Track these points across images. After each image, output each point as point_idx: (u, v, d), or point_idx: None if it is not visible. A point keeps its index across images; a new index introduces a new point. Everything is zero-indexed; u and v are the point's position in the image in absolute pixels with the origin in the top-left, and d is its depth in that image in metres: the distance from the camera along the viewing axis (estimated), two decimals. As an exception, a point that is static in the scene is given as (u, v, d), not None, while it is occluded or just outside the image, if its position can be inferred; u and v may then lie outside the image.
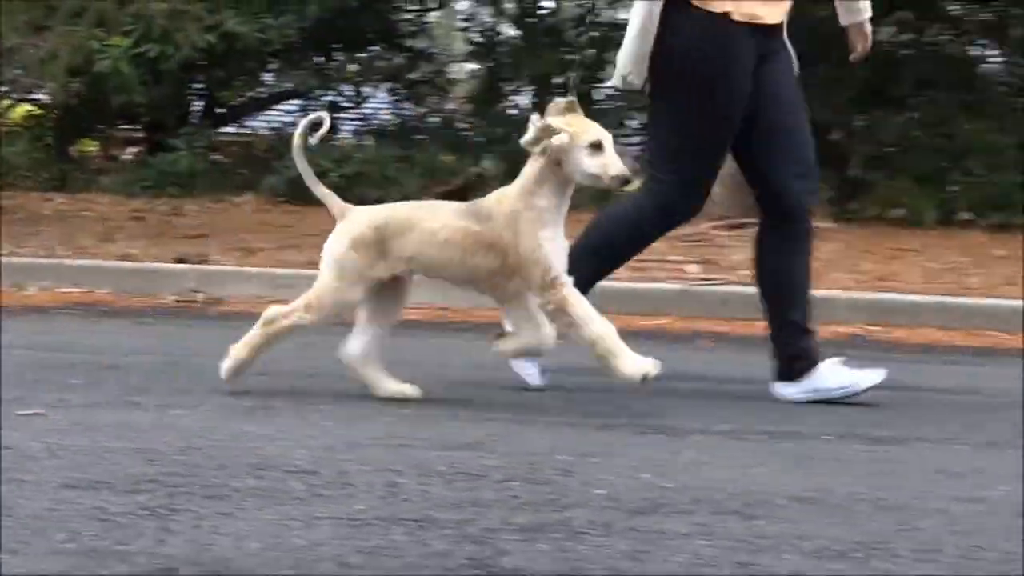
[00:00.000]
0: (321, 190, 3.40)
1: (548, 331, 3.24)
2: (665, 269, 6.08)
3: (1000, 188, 8.40)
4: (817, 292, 3.80)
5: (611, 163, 3.16)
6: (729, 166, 3.86)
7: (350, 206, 3.36)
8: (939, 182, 8.78)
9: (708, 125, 3.57)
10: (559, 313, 3.17)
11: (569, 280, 3.16)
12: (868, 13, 3.79)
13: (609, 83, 4.45)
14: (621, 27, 3.82)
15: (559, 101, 3.32)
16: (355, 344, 3.29)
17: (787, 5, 3.64)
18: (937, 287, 6.09)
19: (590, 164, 3.17)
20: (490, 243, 3.16)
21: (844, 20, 3.84)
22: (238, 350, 3.22)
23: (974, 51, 9.88)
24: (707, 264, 6.42)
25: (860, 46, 3.86)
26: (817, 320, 3.68)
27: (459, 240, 3.20)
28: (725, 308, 5.43)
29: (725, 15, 3.49)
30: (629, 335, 4.04)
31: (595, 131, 3.21)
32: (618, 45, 3.82)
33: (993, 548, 2.10)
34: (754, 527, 2.17)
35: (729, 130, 3.51)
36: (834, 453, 2.98)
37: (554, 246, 3.16)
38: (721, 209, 7.17)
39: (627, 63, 3.57)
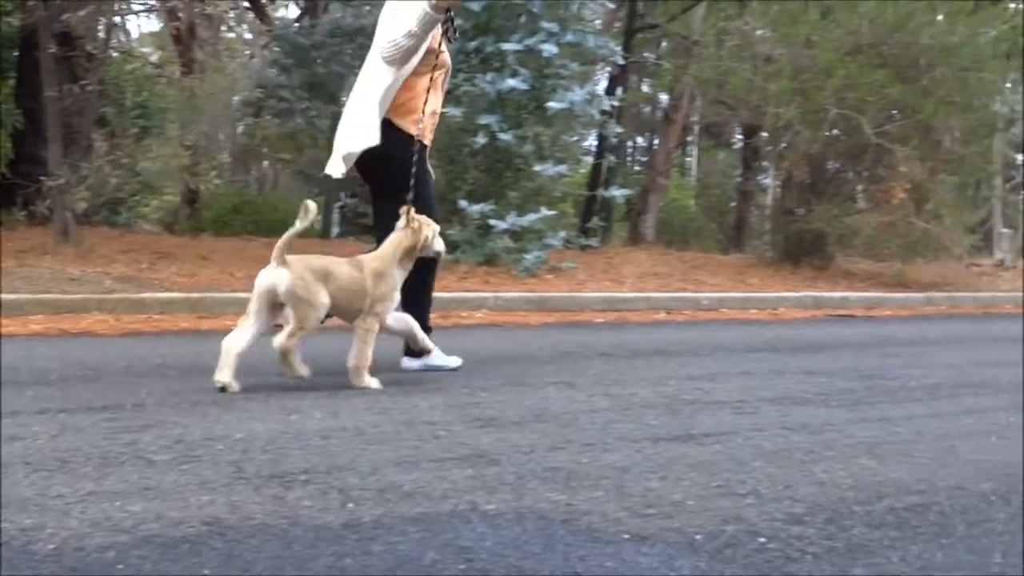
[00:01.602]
0: (281, 243, 4.82)
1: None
2: None
3: None
4: None
5: (441, 243, 5.43)
6: None
7: (292, 257, 4.84)
8: None
9: None
10: (361, 332, 5.00)
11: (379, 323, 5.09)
12: None
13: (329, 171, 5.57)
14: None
15: (406, 207, 5.16)
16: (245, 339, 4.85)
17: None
18: None
19: (438, 245, 5.32)
20: (362, 288, 4.97)
21: None
22: (295, 371, 4.90)
23: None
24: None
25: None
26: None
27: (351, 286, 4.95)
28: None
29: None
30: None
31: (436, 225, 5.33)
32: None
33: None
34: None
35: None
36: None
37: (393, 302, 5.14)
38: None
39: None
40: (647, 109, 34.14)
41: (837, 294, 11.89)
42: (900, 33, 13.26)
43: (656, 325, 8.99)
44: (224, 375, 4.79)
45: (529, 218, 11.02)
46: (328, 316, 5.06)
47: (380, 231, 5.47)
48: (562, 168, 11.56)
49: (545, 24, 11.23)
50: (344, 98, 17.91)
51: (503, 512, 3.05)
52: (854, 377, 6.08)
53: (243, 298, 8.18)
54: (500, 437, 4.04)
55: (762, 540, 2.90)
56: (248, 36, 27.27)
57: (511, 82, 10.93)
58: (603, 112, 12.18)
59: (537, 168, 11.39)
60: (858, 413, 4.89)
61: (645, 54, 24.84)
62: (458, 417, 4.42)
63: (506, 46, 11.04)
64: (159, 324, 7.38)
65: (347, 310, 5.01)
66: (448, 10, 5.40)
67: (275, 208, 15.77)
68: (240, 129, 20.54)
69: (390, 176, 5.44)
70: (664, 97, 25.08)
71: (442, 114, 11.10)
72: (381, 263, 5.03)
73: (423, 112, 5.53)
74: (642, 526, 2.98)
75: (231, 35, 29.08)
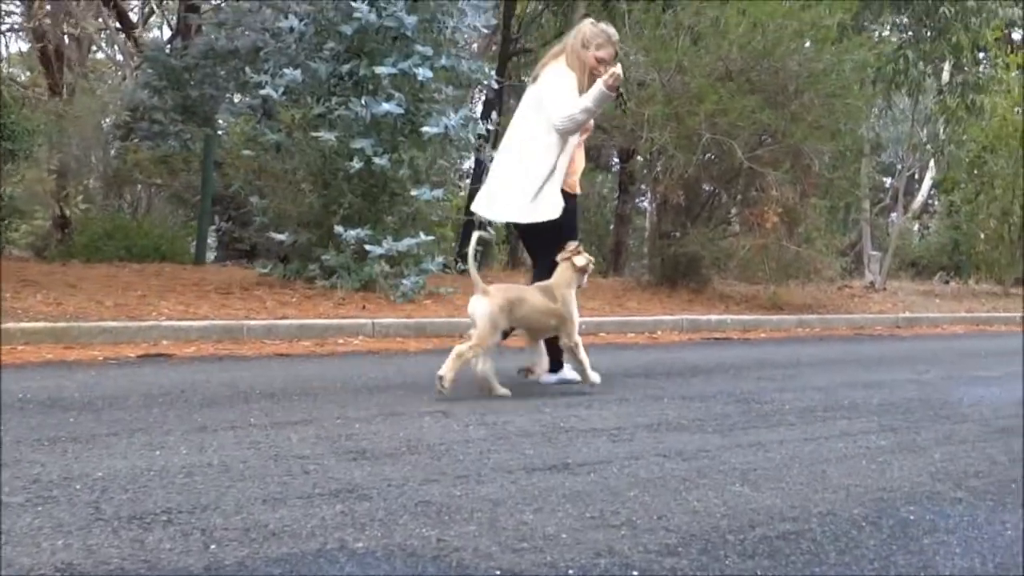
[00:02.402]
0: (475, 276, 5.99)
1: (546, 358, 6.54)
2: None
3: None
4: None
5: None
6: None
7: (490, 286, 6.03)
8: None
9: None
10: (571, 348, 6.19)
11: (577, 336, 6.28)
12: None
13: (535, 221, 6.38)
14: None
15: (574, 244, 6.28)
16: (485, 364, 6.00)
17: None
18: None
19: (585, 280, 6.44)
20: (552, 310, 6.10)
21: None
22: (447, 373, 5.75)
23: None
24: None
25: None
26: None
27: (544, 309, 6.07)
28: None
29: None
30: None
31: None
32: None
33: None
34: None
35: None
36: None
37: (577, 319, 6.30)
38: None
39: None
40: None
41: (714, 317, 11.98)
42: (769, 60, 13.49)
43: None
44: (495, 389, 6.02)
45: (406, 243, 10.86)
46: (506, 335, 6.34)
47: (541, 272, 6.51)
48: (438, 192, 11.42)
49: (419, 48, 11.12)
50: (218, 121, 17.84)
51: (372, 550, 2.97)
52: (729, 401, 6.13)
53: (113, 327, 8.05)
54: (372, 470, 3.96)
55: (635, 574, 2.86)
56: (119, 58, 26.71)
57: (386, 106, 10.77)
58: (479, 136, 12.13)
59: (413, 192, 11.20)
60: (732, 439, 4.92)
61: (524, 78, 24.92)
62: (330, 450, 4.32)
63: (380, 69, 10.89)
64: (23, 355, 7.11)
65: (538, 328, 6.23)
66: (619, 87, 6.31)
67: (147, 233, 15.37)
68: (113, 152, 20.12)
69: (557, 229, 6.37)
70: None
71: (316, 138, 11.16)
72: (565, 289, 6.21)
73: (576, 171, 6.70)
74: (514, 561, 2.93)
75: (101, 56, 28.48)
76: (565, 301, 6.17)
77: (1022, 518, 3.64)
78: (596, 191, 32.16)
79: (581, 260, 6.24)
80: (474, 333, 5.90)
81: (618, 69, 6.19)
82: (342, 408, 5.33)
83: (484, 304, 5.88)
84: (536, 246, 6.73)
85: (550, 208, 6.33)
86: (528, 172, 6.35)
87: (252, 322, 8.72)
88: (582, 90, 6.31)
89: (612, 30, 6.63)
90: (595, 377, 6.27)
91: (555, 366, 6.60)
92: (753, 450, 4.66)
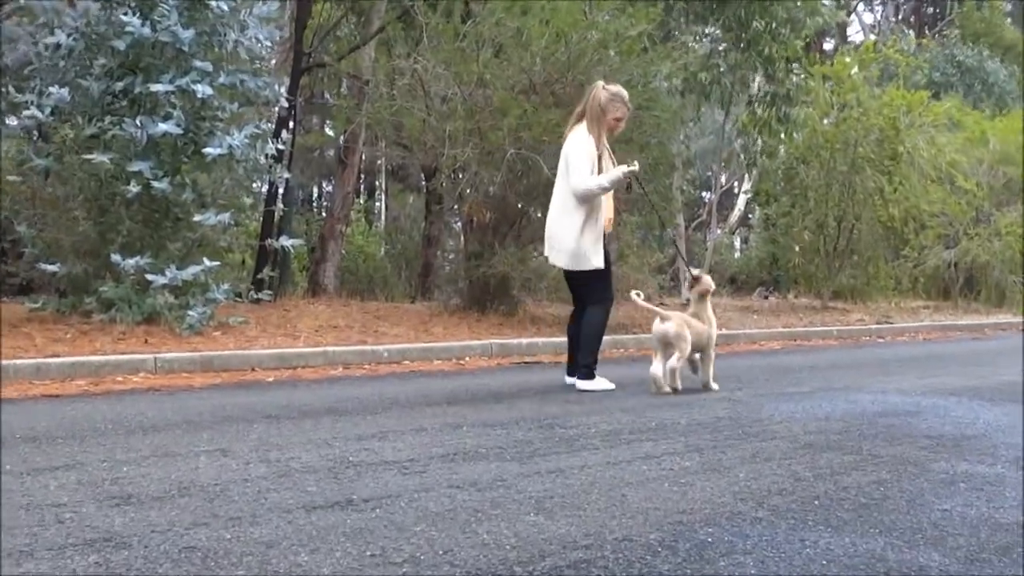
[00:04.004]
0: (653, 309, 8.36)
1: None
2: None
3: None
4: None
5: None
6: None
7: (669, 313, 8.14)
8: None
9: None
10: (710, 357, 8.39)
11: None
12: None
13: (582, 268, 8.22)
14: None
15: (692, 274, 8.63)
16: (660, 368, 8.03)
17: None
18: None
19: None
20: (705, 331, 8.26)
21: None
22: (677, 384, 8.02)
23: None
24: None
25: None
26: None
27: (700, 330, 8.20)
28: None
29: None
30: None
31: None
32: None
33: None
34: None
35: None
36: None
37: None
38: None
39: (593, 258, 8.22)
40: (331, 153, 34.01)
41: (524, 340, 12.03)
42: (573, 72, 13.65)
43: (332, 381, 8.80)
44: (662, 388, 7.91)
45: (191, 271, 10.61)
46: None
47: (587, 304, 8.44)
48: (225, 217, 11.19)
49: (198, 63, 10.91)
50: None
51: (125, 604, 2.84)
52: (533, 427, 6.14)
53: None
54: (136, 516, 3.81)
55: (413, 613, 2.81)
56: None
57: (163, 126, 10.49)
58: (269, 156, 11.91)
59: (198, 218, 10.98)
60: (531, 466, 4.92)
61: (326, 95, 24.64)
62: (91, 496, 4.15)
63: (156, 87, 10.64)
64: None
65: (699, 343, 8.19)
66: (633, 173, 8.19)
67: None
68: None
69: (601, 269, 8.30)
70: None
71: (88, 160, 10.79)
72: (706, 314, 8.36)
73: (610, 217, 8.53)
74: (283, 607, 2.84)
75: None
76: (710, 322, 8.36)
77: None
78: (406, 212, 32.13)
79: (705, 292, 8.45)
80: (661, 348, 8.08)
81: (635, 167, 8.13)
82: (110, 451, 5.14)
83: (672, 326, 7.95)
84: (583, 286, 8.46)
85: (593, 260, 8.16)
86: (581, 231, 8.07)
87: (19, 361, 8.37)
88: (599, 147, 8.08)
89: (624, 91, 8.21)
90: (715, 385, 8.36)
91: (587, 374, 8.30)
92: (552, 477, 4.68)
